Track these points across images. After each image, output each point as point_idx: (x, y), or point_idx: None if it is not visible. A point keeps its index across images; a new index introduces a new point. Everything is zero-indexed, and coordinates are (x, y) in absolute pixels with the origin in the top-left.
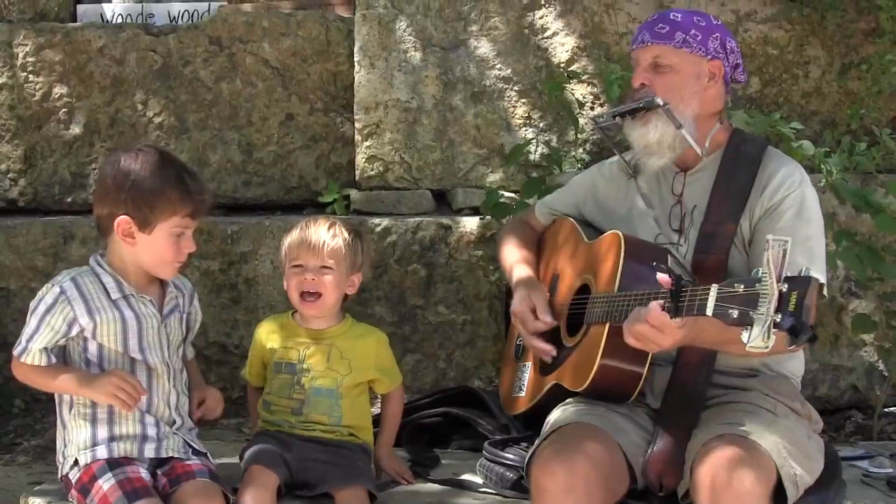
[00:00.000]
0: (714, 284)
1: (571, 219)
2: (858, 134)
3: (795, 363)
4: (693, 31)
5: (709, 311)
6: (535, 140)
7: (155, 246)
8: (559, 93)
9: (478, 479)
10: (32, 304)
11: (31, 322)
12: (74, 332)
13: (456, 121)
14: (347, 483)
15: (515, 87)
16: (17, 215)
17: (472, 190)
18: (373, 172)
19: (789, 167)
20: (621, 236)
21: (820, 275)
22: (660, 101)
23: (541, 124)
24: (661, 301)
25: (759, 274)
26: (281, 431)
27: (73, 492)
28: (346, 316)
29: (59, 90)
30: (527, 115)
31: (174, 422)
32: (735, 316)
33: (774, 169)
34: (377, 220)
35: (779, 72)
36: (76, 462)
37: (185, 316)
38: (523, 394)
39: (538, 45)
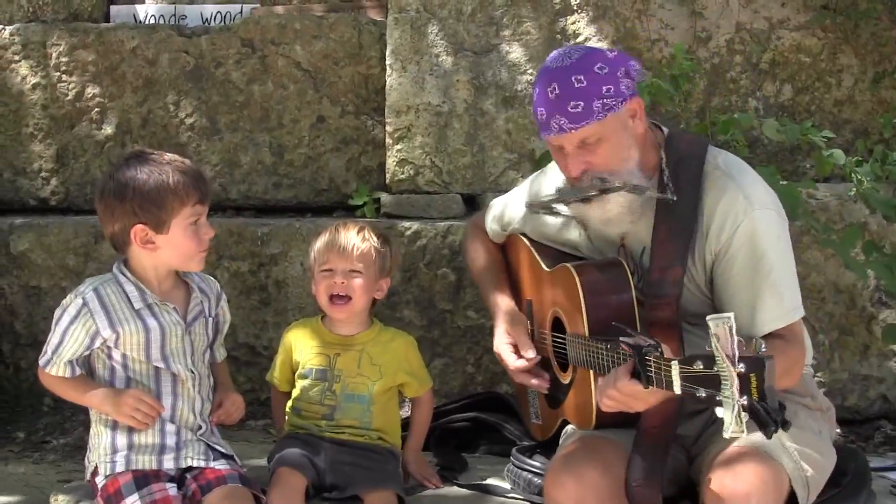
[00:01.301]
0: (674, 360)
1: (524, 239)
2: (891, 143)
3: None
4: (605, 88)
5: (676, 390)
6: None
7: (176, 243)
8: None
9: (505, 485)
10: (56, 314)
11: (56, 333)
12: (97, 343)
13: (487, 125)
14: (376, 486)
15: None
16: (49, 214)
17: (502, 194)
18: (403, 176)
19: (729, 193)
20: (575, 275)
21: (796, 306)
22: (617, 183)
23: None
24: (631, 365)
25: (713, 353)
26: (310, 434)
27: (99, 499)
28: (374, 321)
29: (91, 90)
30: None
31: (199, 427)
32: (703, 397)
33: (714, 202)
34: (407, 224)
35: (811, 80)
36: (97, 469)
37: (211, 319)
38: (540, 422)
39: None
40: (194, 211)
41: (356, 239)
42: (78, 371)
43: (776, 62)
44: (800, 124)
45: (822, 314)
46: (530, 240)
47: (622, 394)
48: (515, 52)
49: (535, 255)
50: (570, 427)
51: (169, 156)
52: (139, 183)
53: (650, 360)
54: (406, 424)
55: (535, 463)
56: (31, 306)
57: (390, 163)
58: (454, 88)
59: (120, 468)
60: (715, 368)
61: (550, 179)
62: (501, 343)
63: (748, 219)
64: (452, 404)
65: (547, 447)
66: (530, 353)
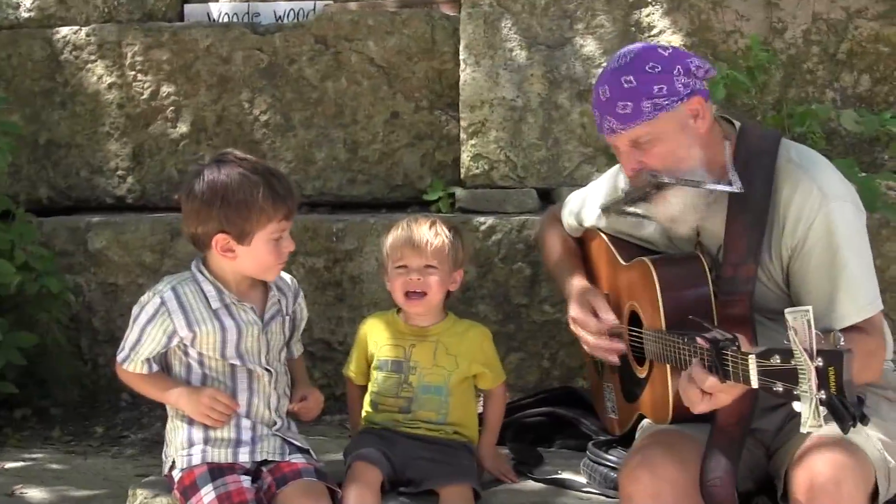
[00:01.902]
0: (752, 354)
1: (601, 233)
2: None
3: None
4: (657, 88)
5: (754, 384)
6: None
7: (256, 255)
8: None
9: (581, 479)
10: (134, 311)
11: (134, 331)
12: (174, 343)
13: (561, 119)
14: (452, 480)
15: None
16: (126, 212)
17: (577, 188)
18: (478, 171)
19: (803, 186)
20: (652, 269)
21: (874, 299)
22: (666, 178)
23: None
24: (707, 361)
25: (791, 346)
26: (385, 429)
27: (175, 492)
28: (448, 313)
29: (166, 89)
30: None
31: (274, 423)
32: (781, 391)
33: (789, 195)
34: (482, 219)
35: (890, 69)
36: (174, 464)
37: (288, 318)
38: (616, 417)
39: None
40: (279, 227)
41: (429, 234)
42: (155, 368)
43: (854, 52)
44: (878, 115)
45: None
46: (607, 234)
47: (704, 390)
48: (589, 46)
49: (612, 248)
50: (646, 421)
51: (262, 165)
52: (229, 192)
53: (727, 354)
54: (480, 419)
55: (612, 457)
56: (108, 303)
57: (465, 158)
58: (528, 83)
59: (196, 461)
60: (792, 362)
61: (610, 183)
62: (577, 309)
63: (823, 212)
64: (528, 399)
65: (623, 442)
66: (609, 315)
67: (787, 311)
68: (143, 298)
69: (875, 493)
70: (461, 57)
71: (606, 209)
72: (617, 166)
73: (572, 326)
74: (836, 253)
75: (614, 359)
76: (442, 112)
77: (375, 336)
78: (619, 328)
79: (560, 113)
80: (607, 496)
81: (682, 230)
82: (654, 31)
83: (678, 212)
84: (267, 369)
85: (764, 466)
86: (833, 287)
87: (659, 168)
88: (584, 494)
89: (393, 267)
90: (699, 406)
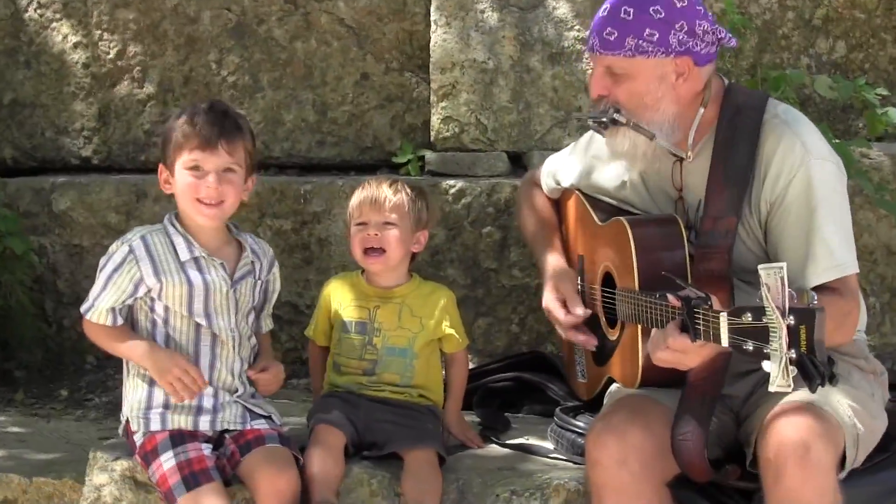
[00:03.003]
0: (723, 312)
1: (579, 193)
2: None
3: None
4: (648, 32)
5: (724, 343)
6: None
7: (179, 185)
8: None
9: (548, 445)
10: (101, 262)
11: (99, 280)
12: (141, 292)
13: (533, 82)
14: (417, 444)
15: None
16: (91, 173)
17: (548, 153)
18: (448, 134)
19: (787, 140)
20: (628, 228)
21: (849, 260)
22: (621, 118)
23: None
24: (679, 320)
25: (763, 303)
26: (349, 392)
27: (137, 457)
28: (413, 275)
29: (133, 48)
30: None
31: (236, 389)
32: (751, 350)
33: (772, 149)
34: (452, 182)
35: (866, 36)
36: (128, 423)
37: (260, 283)
38: (585, 381)
39: None
40: (192, 157)
41: (388, 191)
42: (120, 320)
43: (829, 18)
44: (853, 81)
45: (873, 276)
46: (585, 195)
47: (673, 350)
48: (562, 8)
49: (590, 209)
50: (614, 387)
51: (210, 102)
52: (167, 125)
53: (699, 313)
54: (445, 385)
55: (579, 423)
56: (73, 265)
57: (435, 120)
58: (500, 45)
59: (155, 426)
60: (764, 320)
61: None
62: (550, 299)
63: (805, 167)
64: (496, 363)
65: (591, 408)
66: (579, 310)
67: (760, 267)
68: (112, 248)
69: (844, 460)
70: (432, 18)
71: (580, 117)
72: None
73: (544, 311)
74: (815, 209)
75: (587, 346)
76: (412, 74)
77: (339, 297)
78: (587, 315)
79: (532, 76)
80: (574, 462)
81: (632, 168)
82: None
83: (625, 150)
84: (233, 330)
85: (733, 433)
86: (810, 243)
87: (622, 104)
88: (550, 460)
89: (353, 224)
90: (666, 363)
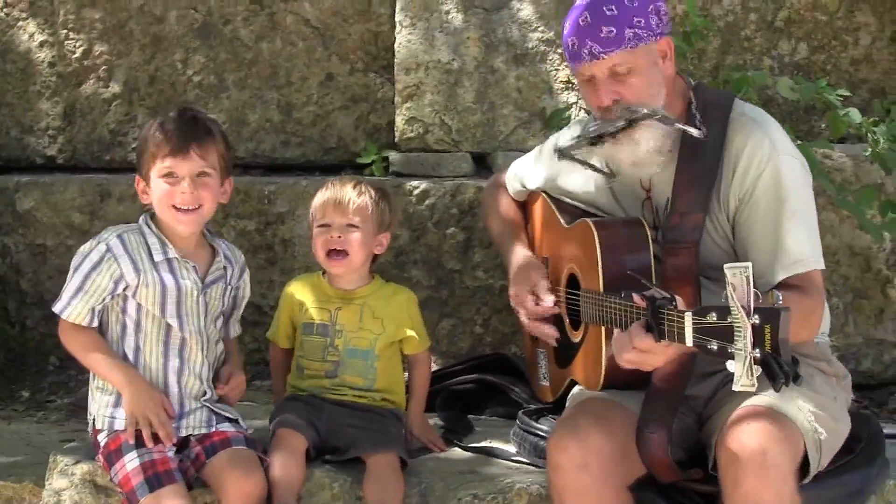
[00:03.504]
0: (688, 312)
1: (545, 196)
2: None
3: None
4: (636, 19)
5: (688, 342)
6: (576, 104)
7: (155, 194)
8: None
9: (511, 448)
10: (76, 261)
11: (75, 279)
12: (120, 289)
13: (497, 83)
14: (379, 448)
15: (558, 51)
16: (56, 172)
17: (512, 153)
18: (412, 134)
19: (756, 136)
20: (594, 230)
21: (815, 255)
22: (646, 110)
23: None
24: (644, 320)
25: (728, 302)
26: (311, 395)
27: (100, 456)
28: (374, 276)
29: (99, 48)
30: (568, 78)
31: (204, 393)
32: (715, 349)
33: (741, 143)
34: (416, 183)
35: (827, 38)
36: (94, 423)
37: (230, 289)
38: (548, 384)
39: None
40: (166, 163)
41: (352, 193)
42: (96, 322)
43: (791, 20)
44: (815, 83)
45: (836, 277)
46: (551, 197)
47: (639, 350)
48: (526, 10)
49: (555, 211)
50: (576, 390)
51: (181, 108)
52: (140, 135)
53: (663, 313)
54: (406, 387)
55: (542, 426)
56: (36, 264)
57: (399, 121)
58: (464, 46)
59: (120, 426)
60: (729, 319)
61: (573, 132)
62: (520, 288)
63: (773, 163)
64: (459, 365)
65: (554, 411)
66: (548, 299)
67: (726, 266)
68: (86, 247)
69: (806, 465)
70: (397, 19)
71: (566, 151)
72: (563, 129)
73: (512, 302)
74: (783, 204)
75: (551, 341)
76: (377, 75)
77: (300, 299)
78: (554, 309)
79: (496, 77)
80: (536, 465)
81: (641, 174)
82: None
83: (645, 153)
84: (202, 333)
85: (695, 435)
86: (778, 237)
87: (633, 101)
88: (513, 464)
89: (316, 226)
90: (632, 364)
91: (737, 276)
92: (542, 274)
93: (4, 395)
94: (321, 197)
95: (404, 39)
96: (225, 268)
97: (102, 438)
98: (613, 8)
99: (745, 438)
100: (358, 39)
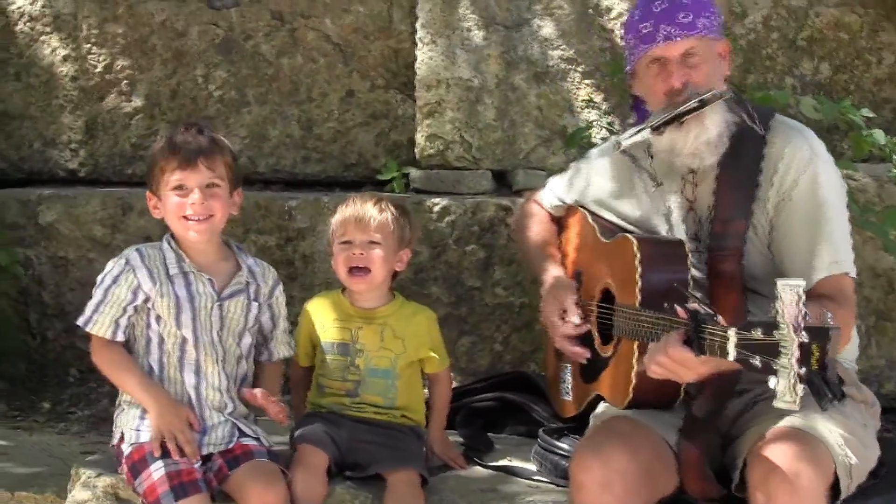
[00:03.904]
0: (732, 327)
1: (583, 211)
2: None
3: (848, 348)
4: (705, 13)
5: (731, 357)
6: (597, 123)
7: (167, 208)
8: (622, 75)
9: (531, 466)
10: (99, 278)
11: (97, 293)
12: (140, 299)
13: (518, 101)
14: (399, 465)
15: (579, 69)
16: (78, 185)
17: (533, 171)
18: (433, 151)
19: (796, 141)
20: (635, 244)
21: (850, 260)
22: (720, 92)
23: (604, 106)
24: (684, 332)
25: (776, 318)
26: (332, 412)
27: (124, 466)
28: (395, 295)
29: (121, 62)
30: (589, 97)
31: (225, 405)
32: (759, 365)
33: (780, 149)
34: (436, 200)
35: (850, 58)
36: (123, 435)
37: (257, 305)
38: (570, 398)
39: (602, 25)
40: (176, 175)
41: (373, 210)
42: (121, 335)
43: (814, 39)
44: (837, 103)
45: (859, 299)
46: (590, 212)
47: (672, 360)
48: (547, 27)
49: (594, 226)
50: (600, 408)
51: (187, 123)
52: (149, 151)
53: (706, 327)
54: (427, 405)
55: (563, 445)
56: (58, 277)
57: (420, 138)
58: (485, 63)
59: (144, 438)
60: (776, 335)
61: (600, 147)
62: (549, 308)
63: (812, 167)
64: (479, 383)
65: (575, 430)
66: (576, 319)
67: (778, 281)
68: (109, 264)
69: (836, 488)
70: (418, 36)
71: (628, 146)
72: (608, 142)
73: (542, 320)
74: (821, 207)
75: (579, 358)
76: (398, 91)
77: (321, 317)
78: (588, 309)
79: (517, 94)
80: (557, 484)
81: (704, 164)
82: (613, 14)
83: (710, 137)
84: (218, 346)
85: (719, 455)
86: (814, 239)
87: (702, 86)
88: (533, 482)
89: (337, 243)
90: (661, 375)
91: (788, 293)
92: (570, 293)
93: (26, 406)
94: (342, 214)
95: (425, 56)
96: (248, 283)
97: (126, 449)
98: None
99: (777, 460)
100: (379, 56)
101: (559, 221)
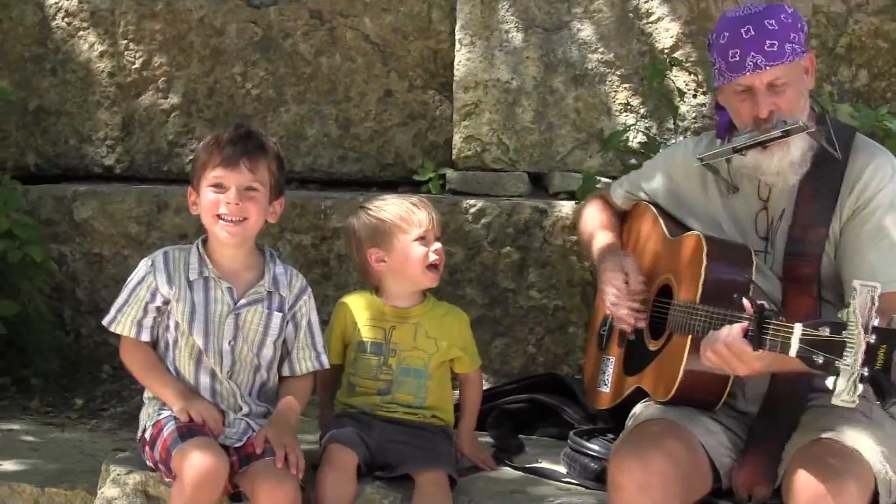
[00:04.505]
0: (798, 324)
1: (652, 207)
2: None
3: None
4: (792, 35)
5: (792, 353)
6: (634, 126)
7: (203, 204)
8: (660, 80)
9: (561, 469)
10: (129, 278)
11: (123, 293)
12: (158, 301)
13: (556, 103)
14: (428, 465)
15: (618, 72)
16: (114, 182)
17: (569, 174)
18: (470, 153)
19: (880, 158)
20: (703, 241)
21: None
22: (801, 122)
23: (641, 110)
24: (746, 326)
25: (846, 317)
26: (362, 413)
27: (147, 449)
28: (427, 295)
29: (158, 59)
30: (627, 100)
31: (240, 408)
32: (820, 362)
33: (864, 162)
34: (472, 201)
35: (888, 65)
36: (146, 430)
37: (279, 314)
38: (607, 390)
39: (642, 29)
40: (216, 174)
41: (429, 206)
42: (145, 335)
43: (853, 47)
44: (875, 110)
45: None
46: (659, 209)
47: (730, 350)
48: (586, 30)
49: (661, 222)
50: (638, 408)
51: (238, 125)
52: (197, 147)
53: (770, 322)
54: (457, 406)
55: (593, 447)
56: (92, 273)
57: (457, 139)
58: (524, 65)
59: (164, 415)
60: (843, 334)
61: (670, 149)
62: (610, 272)
63: (894, 184)
64: (511, 384)
65: (605, 431)
66: (639, 279)
67: (856, 281)
68: (140, 264)
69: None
70: (457, 37)
71: (708, 157)
72: (680, 143)
73: (602, 286)
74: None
75: (628, 329)
76: (436, 92)
77: (354, 316)
78: (645, 295)
79: (555, 97)
80: (587, 487)
81: (781, 184)
82: (653, 18)
83: (793, 160)
84: (228, 355)
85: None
86: (885, 249)
87: (787, 112)
88: (563, 485)
89: (412, 239)
90: (714, 363)
91: (864, 294)
92: (633, 260)
93: (59, 402)
94: (418, 212)
95: (464, 58)
96: (270, 293)
97: (149, 433)
98: (774, 24)
99: (819, 474)
100: (417, 56)
101: (624, 216)
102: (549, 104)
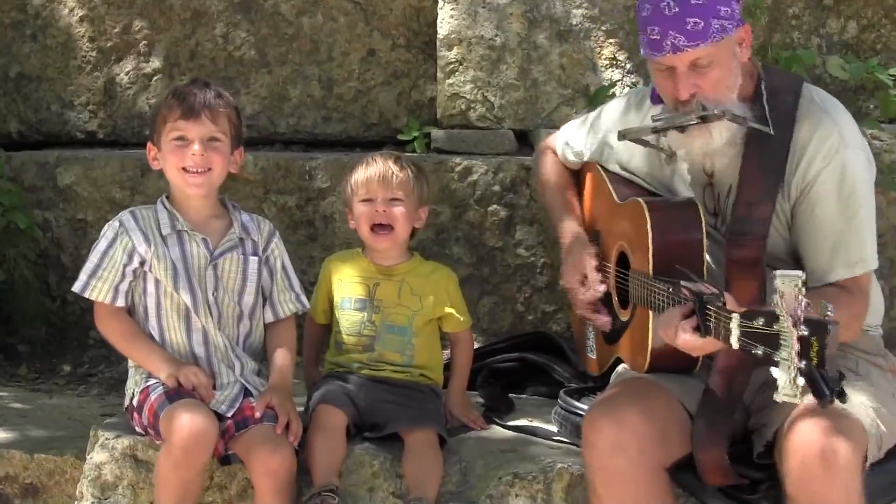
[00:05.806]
0: (735, 313)
1: (599, 166)
2: None
3: (872, 315)
4: (720, 9)
5: (734, 344)
6: (620, 82)
7: (165, 158)
8: None
9: (552, 427)
10: (95, 242)
11: (92, 258)
12: (136, 262)
13: (540, 59)
14: (417, 424)
15: (603, 27)
16: (96, 147)
17: (555, 131)
18: (454, 111)
19: (825, 126)
20: (645, 209)
21: (874, 256)
22: (718, 110)
23: (627, 65)
24: (688, 310)
25: (776, 311)
26: (349, 373)
27: (135, 415)
28: (414, 253)
29: (139, 23)
30: (613, 56)
31: (233, 365)
32: (761, 355)
33: (809, 133)
34: (458, 160)
35: (878, 16)
36: (133, 397)
37: (254, 259)
38: (594, 356)
39: None
40: (177, 126)
41: (395, 168)
42: (121, 301)
43: None
44: (865, 62)
45: (882, 259)
46: (605, 169)
47: (683, 342)
48: None
49: (608, 184)
50: (621, 367)
51: (196, 79)
52: (154, 103)
53: (710, 310)
54: (448, 365)
55: (583, 406)
56: (77, 239)
57: (441, 97)
58: (507, 21)
59: (151, 382)
60: (776, 327)
61: (624, 107)
62: (569, 276)
63: (839, 156)
64: (500, 343)
65: (595, 390)
66: (598, 288)
67: (776, 273)
68: (105, 227)
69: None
70: None
71: (630, 135)
72: (628, 95)
73: (563, 287)
74: (848, 199)
75: (602, 327)
76: (419, 50)
77: (339, 274)
78: (605, 270)
79: (539, 53)
80: (577, 445)
81: (710, 165)
82: None
83: (718, 145)
84: (213, 305)
85: (741, 423)
86: (840, 235)
87: (710, 94)
88: (554, 443)
89: (358, 201)
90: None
91: (787, 285)
92: (591, 258)
93: (46, 368)
94: (364, 172)
95: (447, 15)
96: (241, 239)
97: (136, 400)
98: None
99: (812, 437)
100: (400, 15)
101: (577, 173)
102: (534, 60)
